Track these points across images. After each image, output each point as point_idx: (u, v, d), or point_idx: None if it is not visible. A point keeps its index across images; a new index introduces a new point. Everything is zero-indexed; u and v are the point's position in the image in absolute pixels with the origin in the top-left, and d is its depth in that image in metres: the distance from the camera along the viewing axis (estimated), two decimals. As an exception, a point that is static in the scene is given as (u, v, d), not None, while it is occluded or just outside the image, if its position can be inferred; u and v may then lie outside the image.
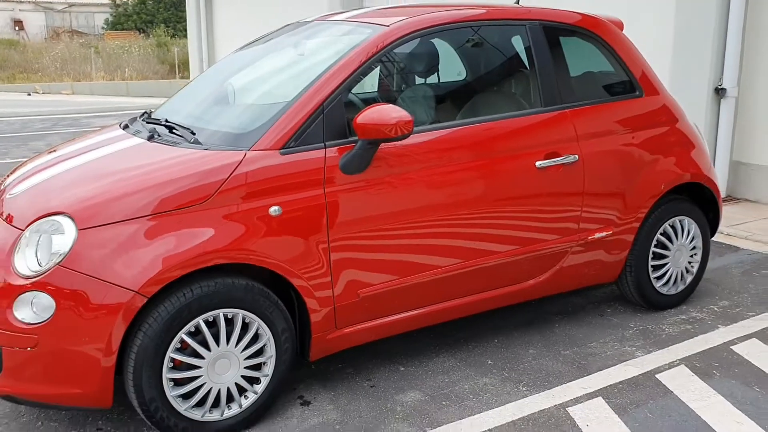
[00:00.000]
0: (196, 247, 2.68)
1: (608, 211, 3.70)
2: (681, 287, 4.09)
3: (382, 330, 3.21)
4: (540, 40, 3.57)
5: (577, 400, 3.12)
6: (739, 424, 2.92)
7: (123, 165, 2.98)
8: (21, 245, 2.68)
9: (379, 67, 3.32)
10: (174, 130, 3.18)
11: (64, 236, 2.62)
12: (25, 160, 3.70)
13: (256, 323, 2.83)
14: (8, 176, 3.40)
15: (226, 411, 2.84)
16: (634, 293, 3.96)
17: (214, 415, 2.82)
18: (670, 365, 3.42)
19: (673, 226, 3.98)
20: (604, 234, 3.71)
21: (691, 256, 4.10)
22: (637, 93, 3.88)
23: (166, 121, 3.31)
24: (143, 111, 3.81)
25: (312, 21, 3.84)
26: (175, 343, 2.68)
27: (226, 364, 2.80)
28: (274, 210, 2.83)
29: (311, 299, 2.92)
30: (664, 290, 4.02)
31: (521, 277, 3.53)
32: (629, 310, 4.08)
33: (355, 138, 2.97)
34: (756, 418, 2.96)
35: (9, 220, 2.83)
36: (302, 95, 2.97)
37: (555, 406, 3.08)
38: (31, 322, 2.58)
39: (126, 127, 3.52)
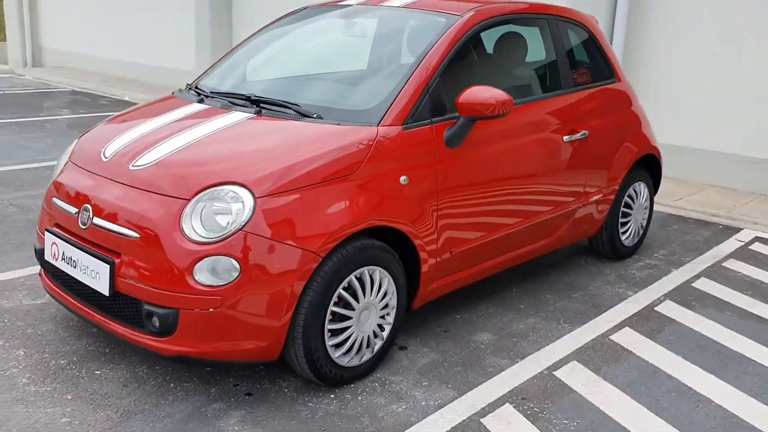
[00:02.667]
0: (354, 211, 3.00)
1: (601, 178, 4.46)
2: (635, 240, 4.99)
3: (460, 281, 3.69)
4: (557, 32, 4.21)
5: (611, 331, 3.84)
6: (734, 337, 3.81)
7: (258, 138, 3.21)
8: (187, 213, 2.83)
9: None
10: (266, 106, 3.41)
11: (243, 204, 2.82)
12: (93, 127, 3.67)
13: (387, 278, 3.20)
14: (88, 146, 3.42)
15: (363, 357, 3.20)
16: (606, 245, 4.78)
17: (354, 361, 3.16)
18: (659, 301, 4.27)
19: (634, 190, 4.85)
20: (598, 197, 4.48)
21: (644, 214, 5.01)
22: (614, 79, 4.67)
23: (255, 96, 3.51)
24: (187, 84, 3.94)
25: (356, 4, 4.14)
26: (334, 297, 2.99)
27: (367, 315, 3.15)
28: (403, 179, 3.21)
29: (424, 255, 3.35)
30: (626, 242, 4.89)
31: (551, 232, 4.19)
32: (598, 261, 4.90)
33: (454, 115, 3.42)
34: (741, 331, 3.88)
35: (157, 190, 2.94)
36: (411, 77, 3.35)
37: (599, 336, 3.78)
38: (214, 284, 2.77)
39: (201, 100, 3.64)
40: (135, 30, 13.20)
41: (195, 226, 2.82)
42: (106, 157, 3.26)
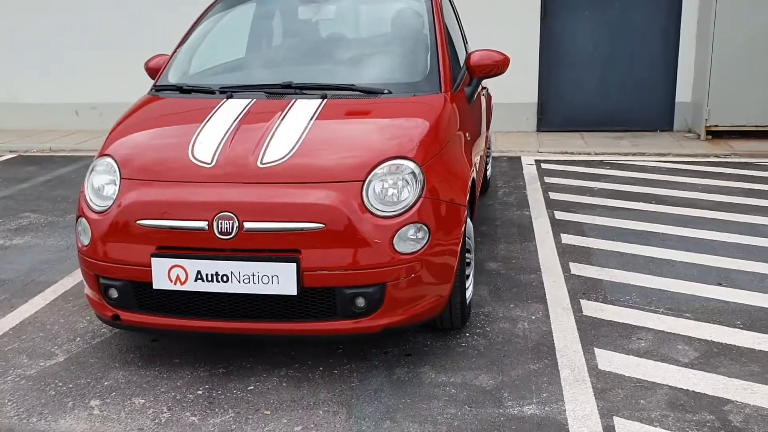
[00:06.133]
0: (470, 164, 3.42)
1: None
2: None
3: None
4: None
5: (570, 240, 4.79)
6: (628, 221, 5.08)
7: (366, 118, 3.38)
8: (367, 193, 2.93)
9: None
10: (319, 89, 3.52)
11: (414, 174, 3.01)
12: (115, 142, 3.23)
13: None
14: (151, 158, 3.14)
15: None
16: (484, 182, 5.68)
17: (468, 301, 3.56)
18: (552, 213, 5.35)
19: (487, 133, 5.85)
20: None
21: (492, 152, 6.06)
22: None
23: (296, 83, 3.56)
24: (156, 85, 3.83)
25: None
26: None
27: (471, 258, 3.58)
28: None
29: None
30: (488, 176, 5.89)
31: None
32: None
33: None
34: (627, 216, 5.17)
35: (321, 179, 2.94)
36: (438, 48, 3.75)
37: (567, 244, 4.70)
38: (412, 250, 2.94)
39: (230, 96, 3.51)
40: None
41: (375, 203, 2.93)
42: (207, 164, 3.03)
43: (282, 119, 3.27)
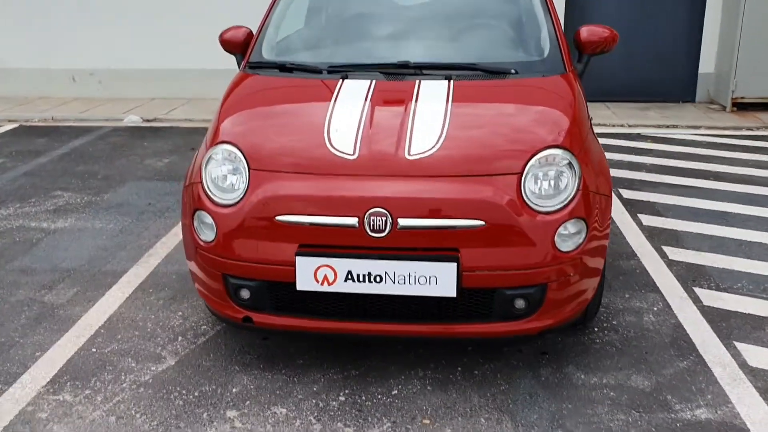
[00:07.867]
0: None
1: None
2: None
3: None
4: None
5: (636, 219, 4.68)
6: (698, 202, 4.99)
7: (504, 103, 3.15)
8: (525, 186, 2.73)
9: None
10: (439, 69, 3.29)
11: (569, 164, 2.81)
12: (233, 130, 2.95)
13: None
14: (283, 148, 2.88)
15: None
16: None
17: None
18: (617, 190, 5.24)
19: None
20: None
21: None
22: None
23: (414, 63, 3.33)
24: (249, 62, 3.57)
25: None
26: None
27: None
28: (586, 116, 3.47)
29: None
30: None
31: None
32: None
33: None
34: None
35: (476, 172, 2.74)
36: (555, 26, 3.53)
37: (638, 225, 4.58)
38: (573, 248, 2.76)
39: (345, 76, 3.25)
40: None
41: (533, 198, 2.74)
42: (350, 155, 2.79)
43: (416, 104, 3.02)
